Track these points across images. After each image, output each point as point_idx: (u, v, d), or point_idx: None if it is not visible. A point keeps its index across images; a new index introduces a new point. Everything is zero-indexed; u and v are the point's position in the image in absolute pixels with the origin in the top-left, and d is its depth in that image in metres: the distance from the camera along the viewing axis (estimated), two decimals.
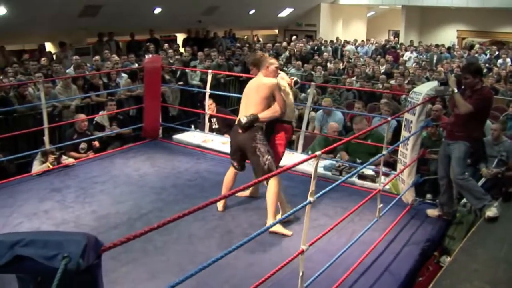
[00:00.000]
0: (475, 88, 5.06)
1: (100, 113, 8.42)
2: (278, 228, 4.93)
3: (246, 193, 5.87)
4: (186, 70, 11.10)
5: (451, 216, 5.51)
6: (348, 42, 20.30)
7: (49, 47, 14.63)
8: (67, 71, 10.69)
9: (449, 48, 18.90)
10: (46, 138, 6.95)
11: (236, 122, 5.24)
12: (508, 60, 15.67)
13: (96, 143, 7.62)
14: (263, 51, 15.15)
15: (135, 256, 4.47)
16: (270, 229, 4.49)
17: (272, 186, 4.99)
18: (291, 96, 5.45)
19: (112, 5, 13.33)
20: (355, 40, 20.78)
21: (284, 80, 5.44)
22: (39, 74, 9.27)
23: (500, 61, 15.79)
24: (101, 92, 9.24)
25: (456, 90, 5.09)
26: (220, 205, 5.54)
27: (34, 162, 6.83)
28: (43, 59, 11.14)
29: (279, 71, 5.35)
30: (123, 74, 10.26)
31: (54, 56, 13.02)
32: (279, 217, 4.98)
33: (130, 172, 6.83)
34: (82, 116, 7.68)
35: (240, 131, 5.14)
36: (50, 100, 8.23)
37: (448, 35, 22.74)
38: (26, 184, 6.35)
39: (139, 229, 2.31)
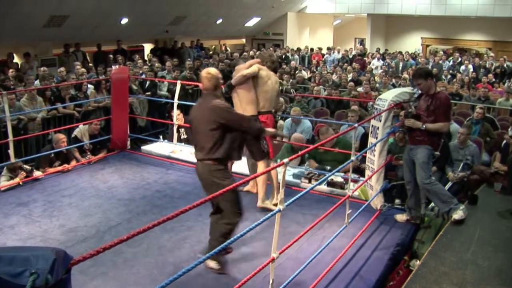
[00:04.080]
0: (430, 92, 5.14)
1: (79, 128, 7.98)
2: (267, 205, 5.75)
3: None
4: (156, 81, 11.01)
5: (419, 220, 5.60)
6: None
7: (15, 58, 14.35)
8: (35, 83, 10.48)
9: (411, 54, 19.11)
10: (11, 152, 6.81)
11: None
12: (470, 66, 16.05)
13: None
14: (231, 60, 15.15)
15: (105, 269, 4.43)
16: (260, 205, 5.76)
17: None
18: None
19: (78, 15, 13.16)
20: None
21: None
22: None
23: (462, 67, 16.16)
24: (67, 104, 9.07)
25: (424, 127, 5.11)
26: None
27: (1, 178, 6.63)
28: (10, 70, 10.90)
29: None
30: (89, 85, 10.12)
31: (19, 66, 12.77)
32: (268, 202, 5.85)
33: (98, 184, 6.75)
34: (60, 136, 7.40)
35: None
36: (15, 113, 8.03)
37: (413, 43, 23.17)
38: None
39: (108, 242, 2.29)
